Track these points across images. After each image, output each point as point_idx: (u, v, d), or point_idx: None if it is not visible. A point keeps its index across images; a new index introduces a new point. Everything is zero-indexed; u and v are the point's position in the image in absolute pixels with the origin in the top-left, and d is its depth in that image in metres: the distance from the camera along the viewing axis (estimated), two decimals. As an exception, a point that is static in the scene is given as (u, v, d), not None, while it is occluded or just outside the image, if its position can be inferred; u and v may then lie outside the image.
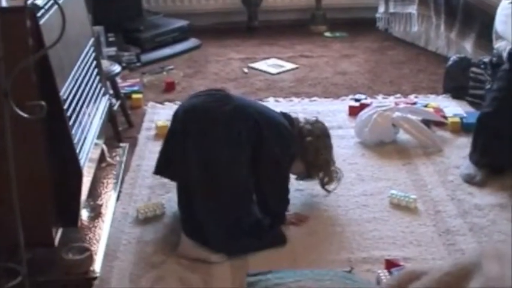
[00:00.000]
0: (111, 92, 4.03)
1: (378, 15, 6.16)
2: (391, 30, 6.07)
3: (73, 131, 2.76)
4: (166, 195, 3.35)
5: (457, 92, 4.58)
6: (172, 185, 3.24)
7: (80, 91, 3.00)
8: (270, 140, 2.98)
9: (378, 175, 3.58)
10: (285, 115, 3.22)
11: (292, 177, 3.26)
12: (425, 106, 4.30)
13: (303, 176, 3.32)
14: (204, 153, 2.90)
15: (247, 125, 2.96)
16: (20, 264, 2.39)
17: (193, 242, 2.89)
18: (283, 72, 5.25)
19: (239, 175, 2.93)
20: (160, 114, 4.35)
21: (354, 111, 4.27)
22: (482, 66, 4.40)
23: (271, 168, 3.03)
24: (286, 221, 3.11)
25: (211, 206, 2.89)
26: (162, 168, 3.15)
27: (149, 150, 3.80)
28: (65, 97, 2.72)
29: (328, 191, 3.33)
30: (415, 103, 4.39)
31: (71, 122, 2.75)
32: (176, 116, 3.09)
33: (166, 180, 3.32)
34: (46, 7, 2.66)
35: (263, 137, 2.97)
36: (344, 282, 2.50)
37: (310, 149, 3.18)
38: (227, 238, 2.90)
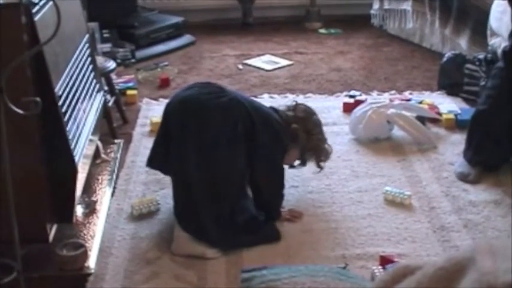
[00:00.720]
0: (105, 88, 4.03)
1: (372, 11, 6.17)
2: (386, 26, 6.08)
3: (68, 127, 2.76)
4: (161, 192, 3.35)
5: (451, 88, 4.59)
6: (167, 181, 3.24)
7: (75, 87, 2.99)
8: (262, 134, 2.98)
9: (372, 172, 3.59)
10: (273, 109, 3.21)
11: (286, 168, 3.25)
12: (420, 103, 4.31)
13: (297, 164, 3.32)
14: (202, 145, 2.89)
15: (242, 117, 2.95)
16: (15, 260, 2.39)
17: (189, 236, 2.88)
18: (278, 68, 5.26)
19: (237, 167, 2.93)
20: (155, 111, 4.35)
21: (348, 108, 4.27)
22: (477, 62, 4.41)
23: (265, 162, 3.03)
24: (281, 217, 3.11)
25: (208, 199, 2.89)
26: (156, 161, 3.12)
27: (144, 147, 3.80)
28: (59, 93, 2.72)
29: (322, 168, 3.33)
30: (409, 100, 4.40)
31: (65, 118, 2.74)
32: (170, 108, 3.06)
33: (161, 176, 3.32)
34: (41, 3, 2.66)
35: (256, 130, 2.96)
36: (338, 278, 2.51)
37: (300, 135, 3.17)
38: (222, 232, 2.90)
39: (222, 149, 2.90)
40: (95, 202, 3.18)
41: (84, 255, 2.75)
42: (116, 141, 3.90)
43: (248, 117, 2.96)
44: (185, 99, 3.02)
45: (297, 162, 3.31)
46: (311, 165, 3.59)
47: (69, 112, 2.82)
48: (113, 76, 4.36)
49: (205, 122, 2.91)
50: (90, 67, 3.40)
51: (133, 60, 5.32)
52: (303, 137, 3.18)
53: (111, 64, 4.10)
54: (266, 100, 4.46)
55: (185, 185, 2.93)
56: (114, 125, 4.07)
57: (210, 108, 2.93)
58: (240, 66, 5.29)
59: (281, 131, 3.08)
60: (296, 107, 3.27)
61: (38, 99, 2.25)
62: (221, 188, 2.90)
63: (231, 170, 2.92)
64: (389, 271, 1.67)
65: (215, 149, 2.89)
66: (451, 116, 4.12)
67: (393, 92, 4.68)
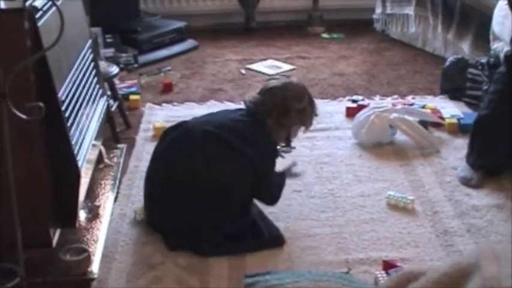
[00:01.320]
0: (108, 93, 4.03)
1: (375, 16, 6.17)
2: (388, 31, 6.08)
3: (71, 132, 2.76)
4: (164, 196, 3.35)
5: (454, 93, 4.58)
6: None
7: (78, 92, 3.00)
8: (246, 149, 2.96)
9: (375, 176, 3.59)
10: (249, 111, 3.12)
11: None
12: (423, 107, 4.31)
13: (286, 146, 3.29)
14: (199, 183, 2.92)
15: (221, 145, 2.96)
16: (18, 265, 2.39)
17: None
18: (281, 73, 5.25)
19: (237, 170, 2.94)
20: (157, 115, 4.36)
21: (351, 112, 4.27)
22: (479, 67, 4.41)
23: (257, 177, 3.00)
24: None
25: (209, 209, 2.92)
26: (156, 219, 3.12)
27: (147, 152, 3.80)
28: (63, 98, 2.72)
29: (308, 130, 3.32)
30: (412, 104, 4.40)
31: (68, 123, 2.75)
32: (157, 160, 3.12)
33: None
34: (44, 9, 2.66)
35: (236, 150, 2.96)
36: (341, 283, 2.50)
37: (281, 122, 3.09)
38: (221, 238, 2.92)
39: (218, 159, 2.94)
40: (98, 207, 3.18)
41: (88, 260, 2.75)
42: (118, 146, 3.90)
43: (225, 142, 2.97)
44: (169, 148, 3.06)
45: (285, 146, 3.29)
46: (313, 169, 3.60)
47: (72, 117, 2.82)
48: (116, 81, 4.36)
49: (191, 165, 2.95)
50: (93, 72, 3.40)
51: (136, 65, 5.32)
52: (284, 120, 3.08)
53: (114, 69, 4.10)
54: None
55: (182, 201, 2.95)
56: (117, 129, 4.07)
57: (192, 149, 2.97)
58: (243, 71, 5.29)
59: (260, 138, 3.05)
60: (266, 94, 3.12)
61: (41, 104, 2.25)
62: (222, 195, 2.91)
63: (230, 173, 2.93)
64: (392, 277, 1.67)
65: (212, 158, 2.93)
66: (454, 120, 4.12)
67: (396, 96, 4.68)
